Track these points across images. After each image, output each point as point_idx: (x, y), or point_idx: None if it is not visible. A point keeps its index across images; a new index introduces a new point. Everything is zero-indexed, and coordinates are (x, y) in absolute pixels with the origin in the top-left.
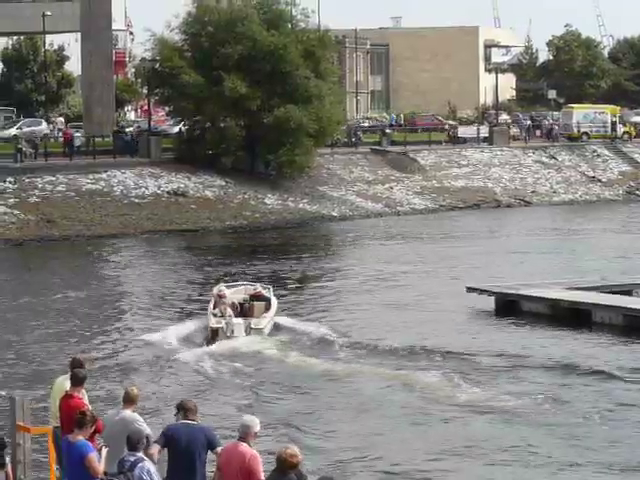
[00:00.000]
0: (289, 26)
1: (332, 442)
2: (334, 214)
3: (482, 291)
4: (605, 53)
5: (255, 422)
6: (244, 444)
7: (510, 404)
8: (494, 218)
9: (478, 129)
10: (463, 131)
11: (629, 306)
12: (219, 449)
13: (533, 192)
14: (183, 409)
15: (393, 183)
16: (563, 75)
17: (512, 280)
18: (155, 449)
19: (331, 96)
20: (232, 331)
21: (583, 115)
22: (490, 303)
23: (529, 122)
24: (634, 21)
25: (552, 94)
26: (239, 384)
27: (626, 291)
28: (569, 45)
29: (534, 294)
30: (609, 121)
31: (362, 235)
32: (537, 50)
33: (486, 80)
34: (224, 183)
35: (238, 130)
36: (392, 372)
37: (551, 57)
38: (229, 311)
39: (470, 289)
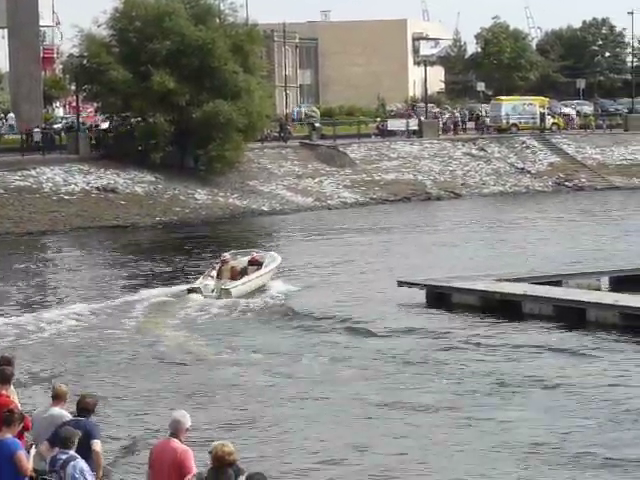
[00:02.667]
0: (217, 21)
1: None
2: (264, 209)
3: (412, 284)
4: (533, 45)
5: (186, 418)
6: (175, 440)
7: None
8: (425, 211)
9: (407, 122)
10: (392, 124)
11: (559, 297)
12: (94, 441)
13: (463, 184)
14: (81, 408)
15: (323, 177)
16: (492, 67)
17: (444, 272)
18: (44, 446)
19: (260, 91)
20: (203, 290)
21: (512, 107)
22: (421, 296)
23: (446, 116)
24: (562, 13)
25: (481, 86)
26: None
27: (556, 282)
28: (497, 37)
29: (464, 286)
30: (538, 113)
31: (292, 229)
32: (465, 43)
33: (415, 73)
34: (154, 179)
35: (167, 125)
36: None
37: (479, 49)
38: (213, 273)
39: (401, 283)
